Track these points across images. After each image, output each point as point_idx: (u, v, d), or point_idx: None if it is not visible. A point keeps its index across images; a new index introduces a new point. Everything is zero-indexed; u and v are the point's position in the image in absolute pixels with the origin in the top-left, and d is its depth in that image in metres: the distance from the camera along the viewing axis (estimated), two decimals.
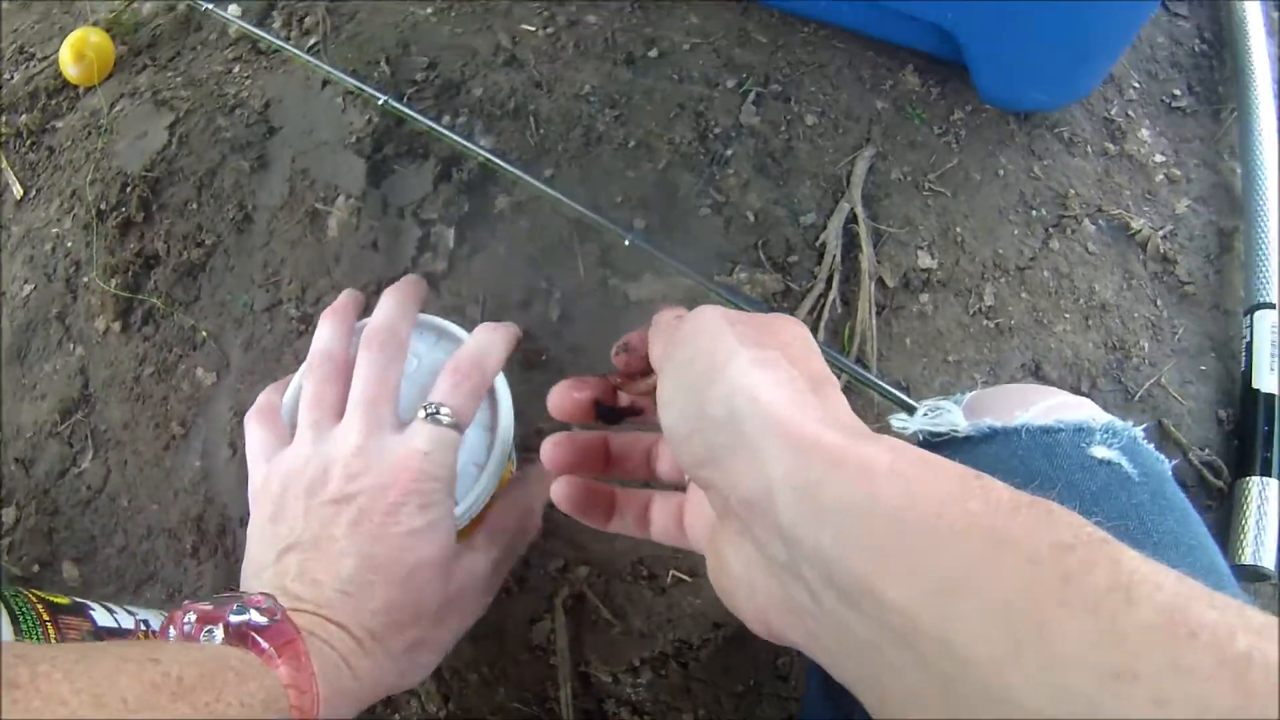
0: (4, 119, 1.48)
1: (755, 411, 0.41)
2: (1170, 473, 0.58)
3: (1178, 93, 1.40)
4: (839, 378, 1.08)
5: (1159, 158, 1.33)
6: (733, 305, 1.11)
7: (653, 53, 1.34)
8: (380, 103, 1.21)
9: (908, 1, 1.20)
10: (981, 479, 0.36)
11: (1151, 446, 0.59)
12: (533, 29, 1.37)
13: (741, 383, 0.42)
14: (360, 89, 1.25)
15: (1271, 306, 1.17)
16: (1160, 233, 1.25)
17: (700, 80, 1.32)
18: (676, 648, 1.02)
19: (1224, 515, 1.09)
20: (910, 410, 0.66)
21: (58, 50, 1.47)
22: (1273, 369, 1.13)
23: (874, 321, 1.13)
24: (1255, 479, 1.08)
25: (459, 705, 0.99)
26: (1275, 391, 1.12)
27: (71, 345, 1.27)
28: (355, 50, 1.37)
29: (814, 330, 1.13)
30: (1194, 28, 1.48)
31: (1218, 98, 1.40)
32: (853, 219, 1.19)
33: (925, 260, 1.19)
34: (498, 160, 1.16)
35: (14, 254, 1.36)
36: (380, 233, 1.23)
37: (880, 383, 1.06)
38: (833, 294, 1.15)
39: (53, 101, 1.48)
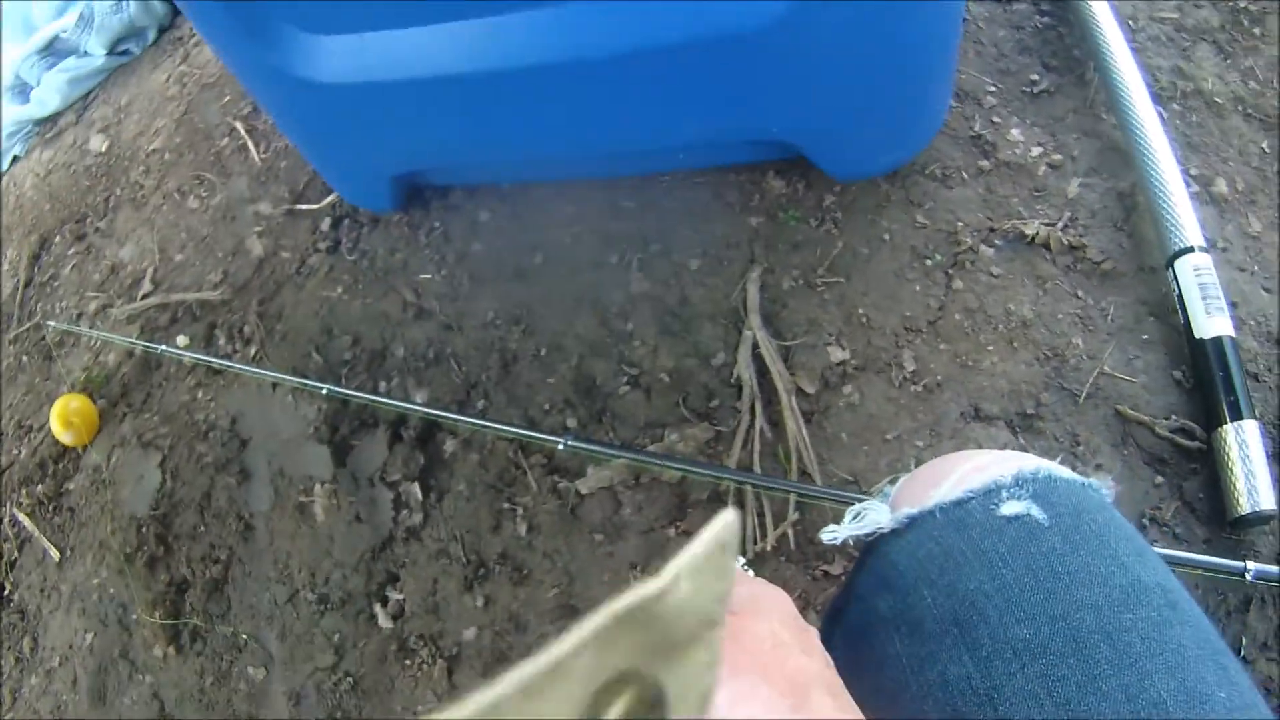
0: (25, 492, 1.70)
1: None
2: (1098, 495, 0.61)
3: (1035, 77, 1.49)
4: (788, 500, 1.21)
5: (1036, 150, 1.42)
6: (677, 471, 1.25)
7: (537, 259, 1.50)
8: (324, 392, 1.38)
9: (732, 132, 1.31)
10: None
11: (1073, 475, 0.62)
12: (429, 276, 1.55)
13: None
14: (302, 384, 1.43)
15: (1189, 250, 1.21)
16: (1060, 224, 1.34)
17: (587, 266, 1.47)
18: None
19: (1210, 472, 1.14)
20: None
21: (47, 417, 1.69)
22: (1208, 312, 1.18)
23: (804, 433, 1.25)
24: (1228, 426, 1.13)
25: None
26: (1219, 334, 1.16)
27: (140, 675, 1.45)
28: (289, 347, 1.56)
29: (749, 465, 1.25)
30: (1029, 5, 1.57)
31: (1076, 62, 1.49)
32: (757, 343, 1.31)
33: (838, 354, 1.31)
34: (433, 412, 1.33)
35: (69, 610, 1.55)
36: (359, 505, 1.40)
37: (826, 492, 1.16)
38: (759, 422, 1.27)
39: (59, 466, 1.69)
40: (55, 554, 1.61)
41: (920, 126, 1.39)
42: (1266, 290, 1.25)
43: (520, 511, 1.32)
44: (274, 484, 1.47)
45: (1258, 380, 1.18)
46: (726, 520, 0.43)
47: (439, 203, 1.63)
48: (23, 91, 2.29)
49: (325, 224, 1.69)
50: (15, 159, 2.26)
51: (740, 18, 1.08)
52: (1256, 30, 1.51)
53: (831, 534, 0.69)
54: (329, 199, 1.71)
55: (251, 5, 1.20)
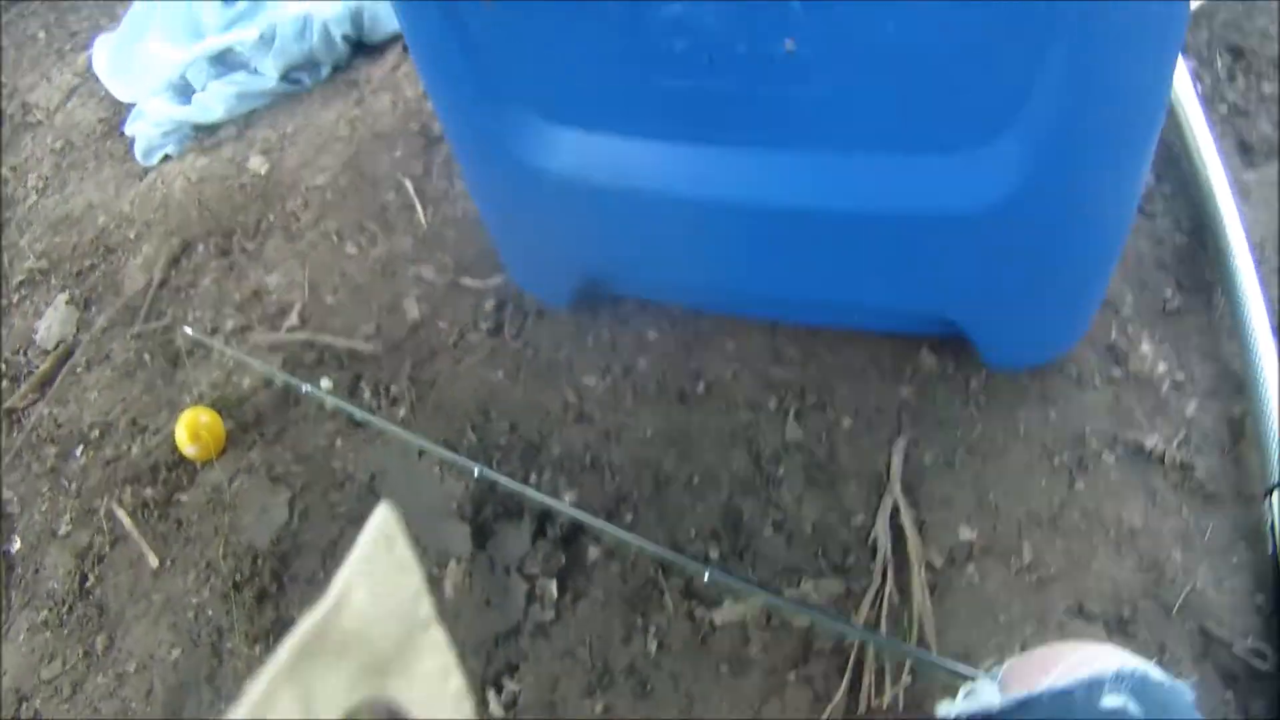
0: (129, 490, 1.78)
1: None
2: (1185, 697, 0.70)
3: (1169, 293, 1.63)
4: (904, 664, 1.32)
5: (1162, 366, 1.55)
6: (807, 619, 1.37)
7: (700, 388, 1.63)
8: (475, 473, 1.49)
9: (909, 304, 1.46)
10: None
11: (1165, 676, 0.70)
12: (593, 381, 1.67)
13: None
14: (454, 460, 1.54)
15: None
16: (1175, 442, 1.47)
17: (745, 406, 1.60)
18: None
19: (1277, 695, 1.25)
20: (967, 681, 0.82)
21: (168, 424, 1.77)
22: None
23: (929, 604, 1.38)
24: None
25: None
26: None
27: (223, 706, 1.50)
28: (443, 419, 1.66)
29: (875, 624, 1.37)
30: (1171, 222, 1.72)
31: (1207, 285, 1.63)
32: (896, 510, 1.44)
33: (966, 533, 1.43)
34: (583, 515, 1.44)
35: (157, 621, 1.62)
36: (491, 591, 1.50)
37: (943, 663, 1.26)
38: (888, 586, 1.39)
39: (173, 475, 1.77)
40: (154, 560, 1.68)
41: (1074, 328, 1.52)
42: None
43: (653, 630, 1.43)
44: None
45: None
46: (383, 514, 0.51)
47: (609, 311, 1.75)
48: (183, 92, 2.39)
49: (489, 304, 1.81)
50: (167, 157, 2.35)
51: (955, 200, 1.21)
52: None
53: (945, 710, 0.79)
54: (495, 280, 1.83)
55: (499, 84, 1.32)
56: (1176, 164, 1.79)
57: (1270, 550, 1.32)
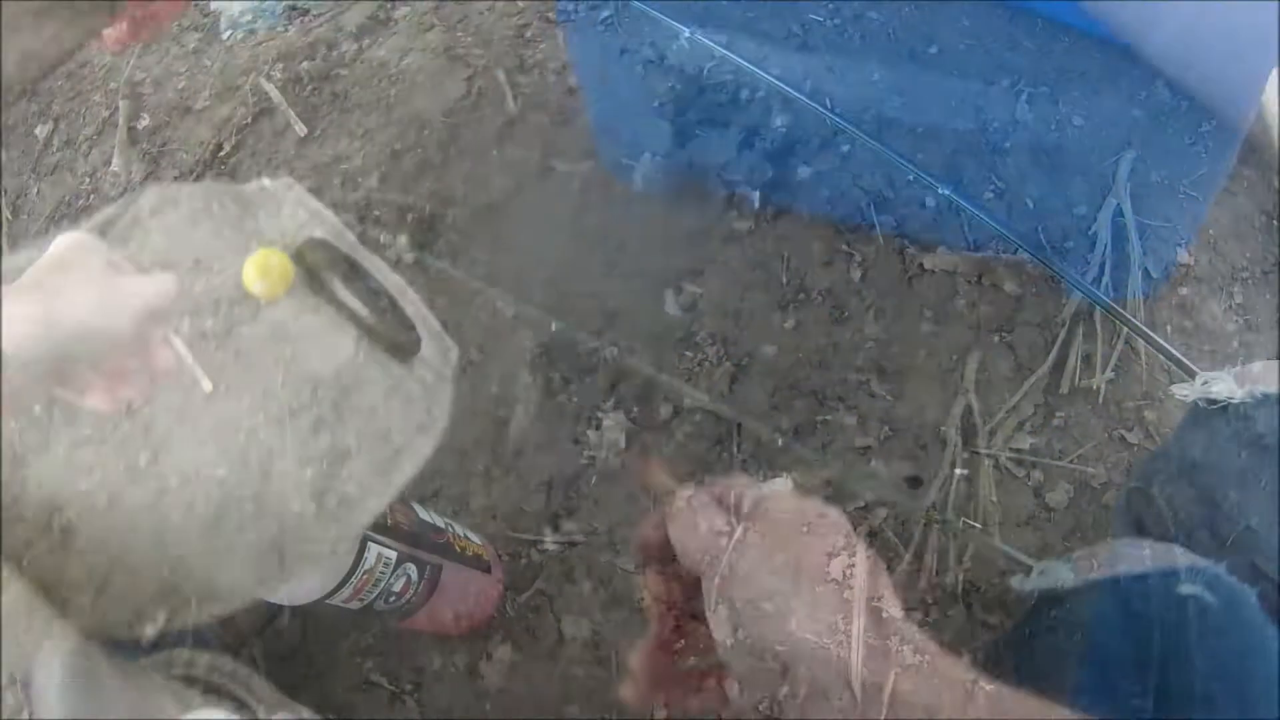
0: (188, 322, 1.69)
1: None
2: (1250, 597, 0.76)
3: None
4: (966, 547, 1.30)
5: None
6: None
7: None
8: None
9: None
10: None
11: (1234, 579, 0.77)
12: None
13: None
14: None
15: None
16: None
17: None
18: None
19: None
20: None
21: (231, 264, 1.70)
22: None
23: (995, 496, 1.35)
24: None
25: None
26: None
27: None
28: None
29: (942, 506, 1.35)
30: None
31: None
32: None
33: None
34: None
35: (204, 441, 1.56)
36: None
37: (1007, 550, 1.20)
38: (956, 473, 1.36)
39: (234, 310, 1.69)
40: (208, 385, 1.61)
41: None
42: None
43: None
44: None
45: None
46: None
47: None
48: None
49: (575, 185, 1.78)
50: (252, 33, 2.20)
51: None
52: None
53: (1020, 581, 0.90)
54: (584, 165, 1.80)
55: None
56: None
57: None
